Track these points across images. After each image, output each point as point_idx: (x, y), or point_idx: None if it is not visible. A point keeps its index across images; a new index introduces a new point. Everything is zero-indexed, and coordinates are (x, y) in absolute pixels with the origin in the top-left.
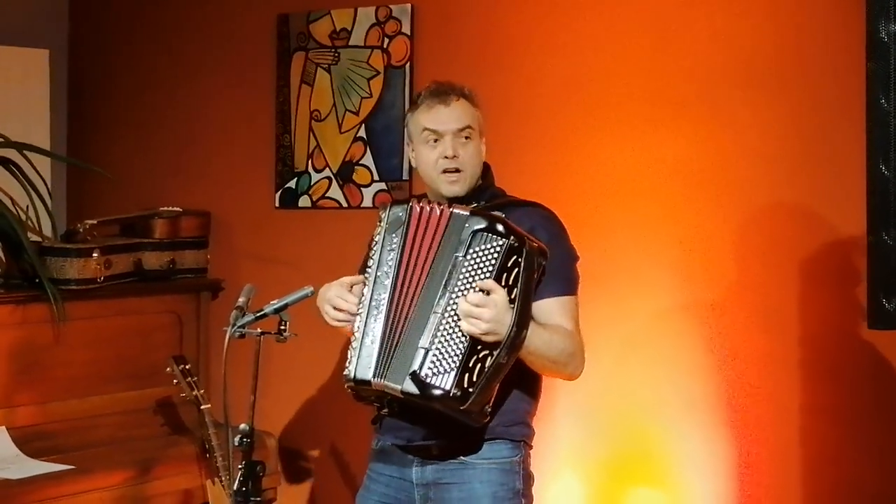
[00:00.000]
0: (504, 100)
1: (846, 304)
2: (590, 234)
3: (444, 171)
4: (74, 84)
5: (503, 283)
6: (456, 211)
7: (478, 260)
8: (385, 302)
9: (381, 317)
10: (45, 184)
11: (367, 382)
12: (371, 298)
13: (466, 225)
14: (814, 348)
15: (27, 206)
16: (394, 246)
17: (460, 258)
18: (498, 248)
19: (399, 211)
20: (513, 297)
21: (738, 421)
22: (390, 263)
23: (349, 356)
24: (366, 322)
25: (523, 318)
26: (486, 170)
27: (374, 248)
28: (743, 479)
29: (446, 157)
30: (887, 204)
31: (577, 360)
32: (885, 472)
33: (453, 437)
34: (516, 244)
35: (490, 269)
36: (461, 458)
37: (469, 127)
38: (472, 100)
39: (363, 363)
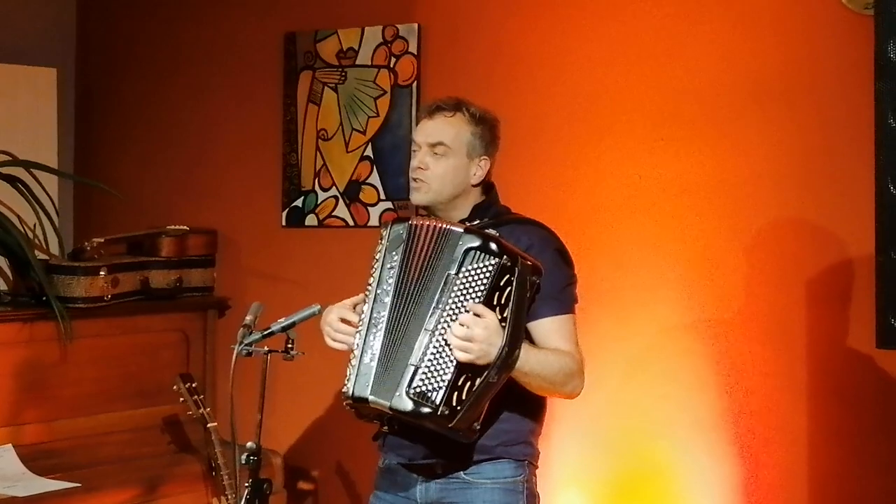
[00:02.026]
0: (510, 118)
1: (854, 323)
2: (597, 252)
3: (413, 179)
4: (82, 102)
5: (495, 302)
6: (451, 227)
7: (470, 279)
8: (384, 319)
9: (381, 334)
10: (53, 202)
11: (365, 400)
12: (370, 316)
13: (460, 243)
14: (821, 367)
15: (34, 224)
16: (394, 264)
17: (452, 275)
18: (490, 268)
19: (400, 229)
20: (504, 316)
21: (745, 439)
22: (390, 282)
23: (348, 373)
24: (365, 339)
25: (515, 338)
26: (488, 188)
27: (375, 266)
28: (749, 497)
29: (414, 167)
30: (895, 223)
31: (576, 379)
32: (891, 492)
33: (455, 457)
34: (509, 263)
35: (482, 288)
36: (465, 477)
37: (442, 144)
38: (474, 118)
39: (361, 381)
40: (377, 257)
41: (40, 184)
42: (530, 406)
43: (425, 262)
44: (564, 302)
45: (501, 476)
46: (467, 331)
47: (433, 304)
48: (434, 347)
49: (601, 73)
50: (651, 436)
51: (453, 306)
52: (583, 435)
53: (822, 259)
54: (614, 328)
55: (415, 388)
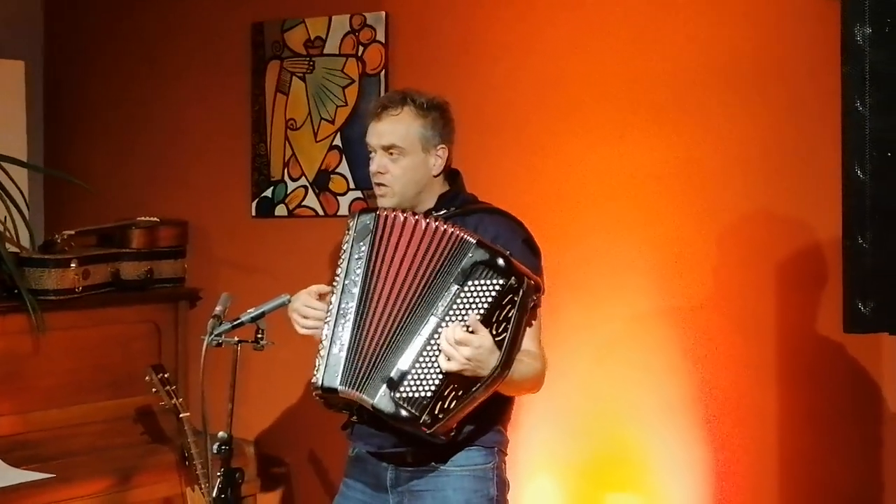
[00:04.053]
0: (479, 105)
1: (822, 307)
2: (566, 239)
3: (376, 185)
4: (51, 95)
5: (494, 319)
6: (464, 237)
7: (474, 294)
8: (353, 310)
9: (349, 325)
10: (23, 195)
11: (334, 391)
12: (339, 307)
13: (469, 255)
14: (790, 352)
15: (5, 218)
16: (361, 254)
17: (456, 288)
18: (497, 287)
19: (367, 219)
20: (501, 332)
21: (715, 424)
22: (358, 272)
23: (317, 364)
24: (333, 330)
25: (509, 358)
26: (454, 176)
27: (343, 257)
28: (719, 482)
29: (374, 172)
30: (862, 207)
31: (542, 378)
32: (860, 475)
33: (425, 445)
34: (515, 284)
35: (485, 305)
36: (434, 464)
37: (394, 146)
38: (422, 109)
39: (331, 371)
40: (344, 248)
41: (10, 177)
42: (499, 394)
43: (416, 260)
44: None
45: (471, 463)
46: (453, 349)
47: (430, 312)
48: (426, 356)
49: (569, 59)
50: (621, 421)
51: (453, 317)
52: (553, 422)
53: (791, 244)
54: (583, 315)
55: (401, 392)
